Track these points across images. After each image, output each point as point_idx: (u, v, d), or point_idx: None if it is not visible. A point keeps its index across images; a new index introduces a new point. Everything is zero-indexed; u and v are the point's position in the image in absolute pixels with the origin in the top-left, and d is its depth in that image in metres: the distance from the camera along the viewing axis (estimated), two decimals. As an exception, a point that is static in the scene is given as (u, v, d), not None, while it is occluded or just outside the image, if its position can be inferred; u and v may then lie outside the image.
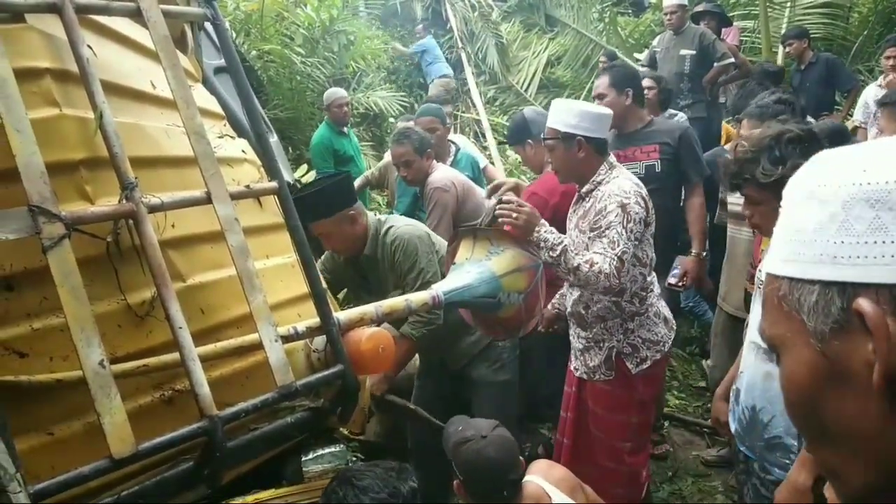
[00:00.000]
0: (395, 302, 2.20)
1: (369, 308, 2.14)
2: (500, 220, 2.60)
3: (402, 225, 3.02)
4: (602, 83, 3.75)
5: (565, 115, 2.70)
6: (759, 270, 2.33)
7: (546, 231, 2.57)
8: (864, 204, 0.58)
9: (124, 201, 1.67)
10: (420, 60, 10.80)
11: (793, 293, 0.63)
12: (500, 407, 3.00)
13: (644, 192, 2.70)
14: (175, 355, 1.67)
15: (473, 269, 2.43)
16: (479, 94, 10.51)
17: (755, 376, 2.22)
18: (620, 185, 2.64)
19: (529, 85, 10.72)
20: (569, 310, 2.92)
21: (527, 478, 2.16)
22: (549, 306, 3.12)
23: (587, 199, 2.73)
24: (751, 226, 2.30)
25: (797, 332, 0.63)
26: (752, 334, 2.28)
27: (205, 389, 1.65)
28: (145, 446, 1.54)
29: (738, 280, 3.52)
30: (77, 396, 1.54)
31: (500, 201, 2.61)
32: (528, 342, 3.38)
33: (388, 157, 5.64)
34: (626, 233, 2.54)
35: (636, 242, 2.60)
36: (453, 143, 4.81)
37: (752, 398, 2.23)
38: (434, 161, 4.11)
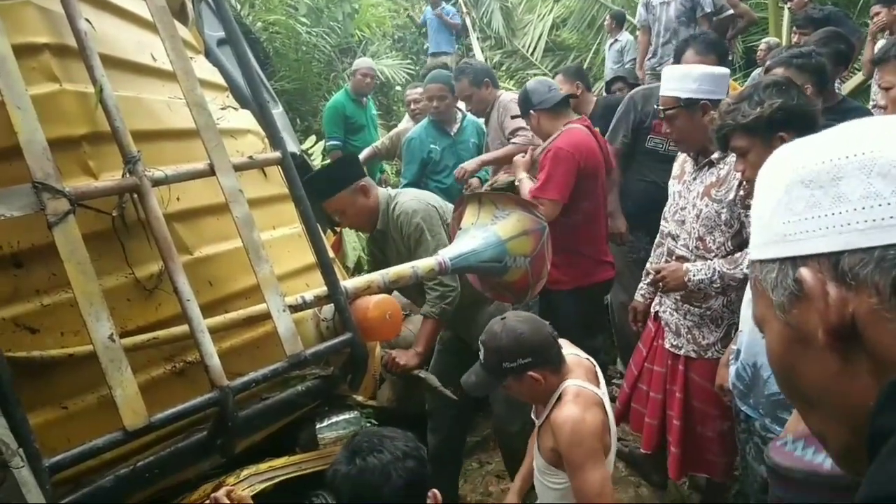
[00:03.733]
0: (402, 269, 2.21)
1: (376, 276, 2.14)
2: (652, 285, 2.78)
3: (407, 199, 3.01)
4: (693, 55, 3.64)
5: (683, 80, 2.61)
6: None
7: (694, 274, 2.56)
8: (800, 185, 0.66)
9: (127, 175, 1.67)
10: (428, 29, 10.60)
11: (762, 273, 0.71)
12: None
13: None
14: (184, 327, 1.69)
15: (479, 233, 2.42)
16: (484, 59, 10.38)
17: (754, 333, 2.22)
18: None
19: (535, 48, 10.57)
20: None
21: None
22: (640, 297, 3.05)
23: (720, 164, 2.59)
24: (746, 181, 2.29)
25: (768, 308, 0.70)
26: (749, 293, 2.27)
27: (215, 360, 1.67)
28: (158, 418, 1.57)
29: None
30: (89, 370, 1.56)
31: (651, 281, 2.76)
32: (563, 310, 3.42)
33: (400, 126, 5.60)
34: None
35: None
36: (460, 109, 4.77)
37: (752, 355, 2.23)
38: (499, 91, 4.17)
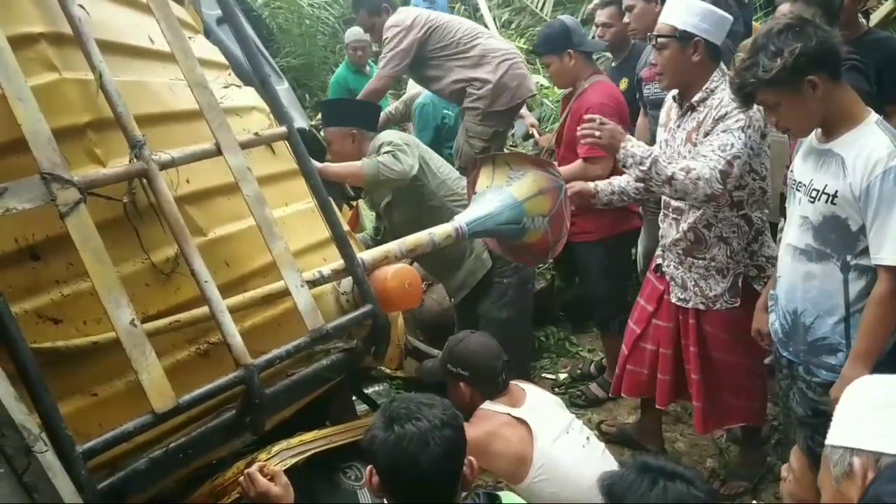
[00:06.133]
0: (418, 237, 2.19)
1: (392, 246, 2.13)
2: (582, 139, 2.57)
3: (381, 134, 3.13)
4: None
5: (685, 12, 2.52)
6: (791, 171, 2.25)
7: (632, 145, 2.48)
8: (864, 408, 1.22)
9: (135, 160, 1.66)
10: None
11: (831, 452, 1.19)
12: (509, 341, 2.90)
13: None
14: (205, 309, 1.69)
15: (495, 196, 2.39)
16: (492, 18, 10.17)
17: (794, 278, 2.16)
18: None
19: (544, 3, 10.33)
20: (670, 240, 2.76)
21: None
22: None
23: (700, 107, 2.55)
24: (781, 132, 2.21)
25: (828, 477, 1.19)
26: (788, 237, 2.22)
27: (237, 340, 1.67)
28: (185, 399, 1.58)
29: (771, 185, 3.39)
30: (115, 357, 1.57)
31: (585, 123, 2.57)
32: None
33: (412, 90, 5.53)
34: (745, 138, 2.41)
35: (751, 151, 2.46)
36: None
37: (792, 301, 2.18)
38: None
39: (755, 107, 2.40)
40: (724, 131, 2.42)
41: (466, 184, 2.75)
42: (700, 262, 2.67)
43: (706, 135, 2.48)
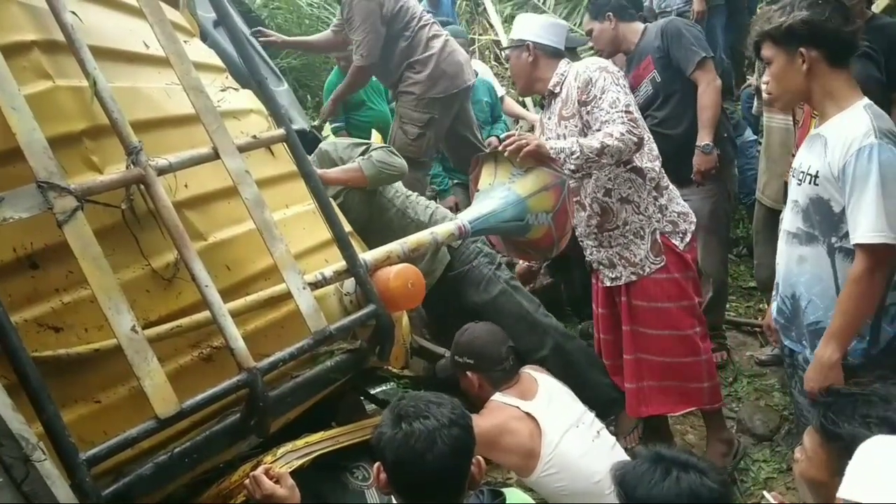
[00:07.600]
0: (421, 237, 2.18)
1: (395, 246, 2.12)
2: (512, 154, 2.56)
3: None
4: (586, 21, 3.78)
5: (520, 26, 2.91)
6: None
7: (555, 142, 2.58)
8: (880, 466, 1.27)
9: (131, 167, 1.65)
10: None
11: None
12: (511, 315, 2.95)
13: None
14: (206, 314, 1.68)
15: (498, 193, 2.38)
16: (495, 13, 10.14)
17: (790, 263, 2.16)
18: (587, 60, 2.75)
19: (547, -1, 10.29)
20: (583, 224, 2.82)
21: None
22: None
23: (558, 89, 2.76)
24: (768, 97, 2.21)
25: None
26: (784, 223, 2.21)
27: (239, 343, 1.66)
28: (188, 404, 1.57)
29: (776, 170, 3.36)
30: (117, 363, 1.56)
31: (500, 141, 2.70)
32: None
33: None
34: (620, 88, 2.58)
35: (631, 96, 2.63)
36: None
37: (790, 286, 2.17)
38: None
39: (608, 65, 2.69)
40: (602, 93, 2.58)
41: (470, 181, 2.73)
42: (616, 232, 2.74)
43: (581, 104, 2.63)
